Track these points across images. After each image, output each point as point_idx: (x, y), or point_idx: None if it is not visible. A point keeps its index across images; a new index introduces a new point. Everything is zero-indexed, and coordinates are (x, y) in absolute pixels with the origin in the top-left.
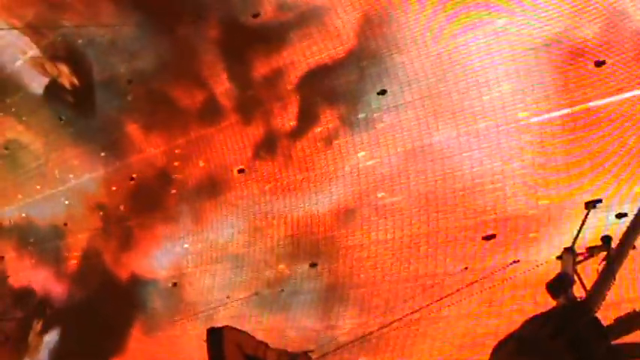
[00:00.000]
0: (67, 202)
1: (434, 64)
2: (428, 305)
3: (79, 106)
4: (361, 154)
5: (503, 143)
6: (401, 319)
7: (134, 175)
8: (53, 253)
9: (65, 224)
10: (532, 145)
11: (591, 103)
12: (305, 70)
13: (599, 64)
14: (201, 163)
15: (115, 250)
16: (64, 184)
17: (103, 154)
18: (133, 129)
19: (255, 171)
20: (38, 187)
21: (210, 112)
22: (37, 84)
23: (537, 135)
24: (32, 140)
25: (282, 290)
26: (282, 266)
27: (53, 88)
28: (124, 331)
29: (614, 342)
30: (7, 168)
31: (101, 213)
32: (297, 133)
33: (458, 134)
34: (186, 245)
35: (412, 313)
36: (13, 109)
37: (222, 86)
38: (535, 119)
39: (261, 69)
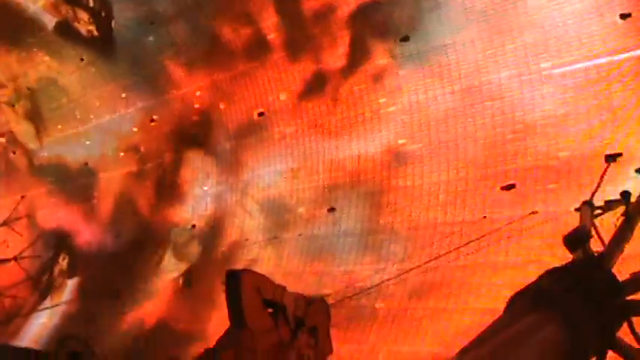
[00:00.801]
0: (87, 143)
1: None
2: (446, 254)
3: (99, 46)
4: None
5: (525, 93)
6: (419, 266)
7: (155, 117)
8: (79, 193)
9: (86, 164)
10: (554, 95)
11: (614, 57)
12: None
13: (625, 16)
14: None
15: (143, 193)
16: (84, 125)
17: (124, 95)
18: (157, 69)
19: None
20: (59, 126)
21: (256, 48)
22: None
23: (560, 86)
24: (54, 80)
25: (300, 234)
26: (301, 210)
27: (70, 29)
28: (149, 277)
29: (629, 297)
30: (31, 107)
31: (122, 154)
32: (346, 71)
33: (479, 83)
34: (213, 188)
35: (430, 261)
36: (34, 49)
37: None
38: (557, 70)
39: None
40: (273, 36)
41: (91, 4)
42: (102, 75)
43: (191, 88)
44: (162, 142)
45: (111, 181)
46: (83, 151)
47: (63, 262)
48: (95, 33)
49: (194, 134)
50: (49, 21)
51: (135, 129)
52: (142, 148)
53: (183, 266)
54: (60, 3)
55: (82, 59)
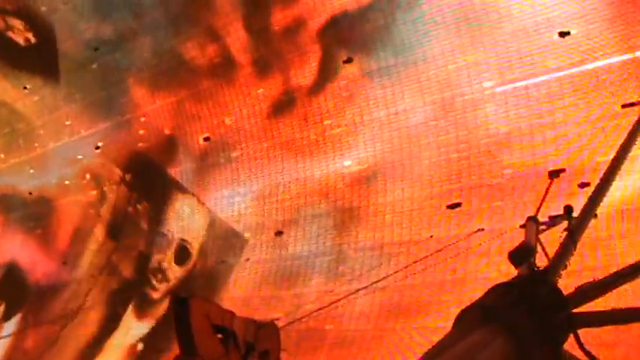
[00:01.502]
0: (31, 171)
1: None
2: (394, 273)
3: (41, 72)
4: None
5: (468, 112)
6: (367, 287)
7: (99, 144)
8: (22, 223)
9: (30, 193)
10: (496, 114)
11: (555, 74)
12: (327, 16)
13: (564, 34)
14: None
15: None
16: (28, 154)
17: (68, 122)
18: (103, 96)
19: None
20: (2, 155)
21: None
22: None
23: (502, 104)
24: None
25: (248, 259)
26: (247, 235)
27: (5, 45)
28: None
29: (574, 310)
30: None
31: (67, 182)
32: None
33: (424, 103)
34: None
35: (378, 281)
36: None
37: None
38: (500, 89)
39: (278, 16)
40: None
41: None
42: (45, 103)
43: (137, 113)
44: (108, 168)
45: (57, 210)
46: (28, 180)
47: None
48: (33, 40)
49: (143, 160)
50: None
51: (80, 156)
52: (88, 176)
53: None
54: None
55: (25, 87)
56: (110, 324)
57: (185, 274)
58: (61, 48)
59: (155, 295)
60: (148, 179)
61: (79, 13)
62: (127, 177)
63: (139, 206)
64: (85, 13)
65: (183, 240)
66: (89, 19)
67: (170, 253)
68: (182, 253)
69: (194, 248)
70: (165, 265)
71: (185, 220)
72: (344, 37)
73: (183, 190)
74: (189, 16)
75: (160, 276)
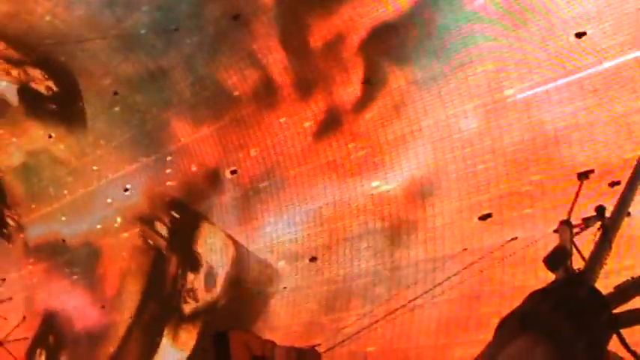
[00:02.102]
0: (63, 219)
1: None
2: (430, 290)
3: (66, 120)
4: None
5: (492, 121)
6: (404, 305)
7: (128, 186)
8: (59, 270)
9: (63, 240)
10: (519, 121)
11: (574, 76)
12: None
13: (580, 35)
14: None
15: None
16: (59, 202)
17: (95, 167)
18: (127, 138)
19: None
20: (33, 205)
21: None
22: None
23: (524, 111)
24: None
25: (285, 287)
26: (282, 263)
27: (29, 96)
28: None
29: (614, 311)
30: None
31: (98, 226)
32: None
33: (446, 116)
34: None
35: (415, 298)
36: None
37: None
38: (521, 95)
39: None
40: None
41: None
42: (72, 150)
43: (162, 152)
44: (138, 209)
45: (92, 254)
46: (60, 227)
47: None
48: (55, 88)
49: (172, 198)
50: (12, 95)
51: (109, 200)
52: (119, 219)
53: None
54: (9, 67)
55: (50, 136)
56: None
57: (215, 303)
58: (83, 94)
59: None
60: (179, 216)
61: (97, 59)
62: (158, 216)
63: (170, 245)
64: (104, 57)
65: (211, 268)
66: (107, 63)
67: (200, 283)
68: (210, 282)
69: (222, 278)
70: (195, 290)
71: (215, 253)
72: (386, 49)
73: (211, 223)
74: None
75: (191, 298)
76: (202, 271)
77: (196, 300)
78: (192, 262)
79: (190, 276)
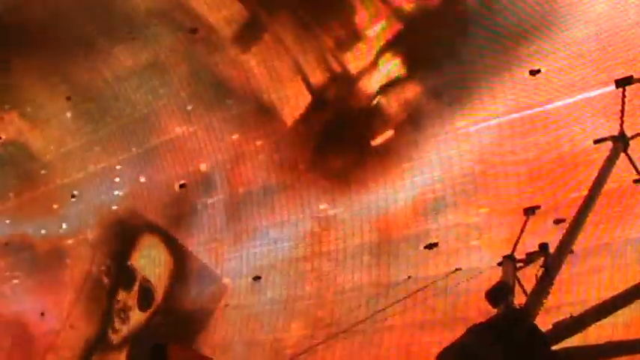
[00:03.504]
0: (7, 222)
1: None
2: (372, 315)
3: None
4: None
5: (442, 152)
6: (346, 330)
7: (75, 192)
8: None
9: (6, 244)
10: (471, 153)
11: (526, 112)
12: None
13: (534, 72)
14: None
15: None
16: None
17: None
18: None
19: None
20: None
21: None
22: None
23: (476, 143)
24: None
25: (227, 305)
26: (225, 280)
27: None
28: None
29: (553, 347)
30: None
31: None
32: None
33: (398, 144)
34: None
35: (357, 323)
36: None
37: None
38: (473, 128)
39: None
40: None
41: None
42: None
43: (111, 162)
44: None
45: (35, 260)
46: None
47: None
48: None
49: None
50: None
51: (55, 205)
52: (64, 225)
53: None
54: None
55: None
56: None
57: (151, 319)
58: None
59: (116, 340)
60: (120, 229)
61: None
62: (102, 224)
63: (109, 256)
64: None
65: (147, 283)
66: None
67: (133, 298)
68: (146, 298)
69: (159, 293)
70: (129, 308)
71: (153, 267)
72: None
73: (152, 236)
74: None
75: (122, 317)
76: (136, 287)
77: (127, 322)
78: (126, 277)
79: (122, 293)
